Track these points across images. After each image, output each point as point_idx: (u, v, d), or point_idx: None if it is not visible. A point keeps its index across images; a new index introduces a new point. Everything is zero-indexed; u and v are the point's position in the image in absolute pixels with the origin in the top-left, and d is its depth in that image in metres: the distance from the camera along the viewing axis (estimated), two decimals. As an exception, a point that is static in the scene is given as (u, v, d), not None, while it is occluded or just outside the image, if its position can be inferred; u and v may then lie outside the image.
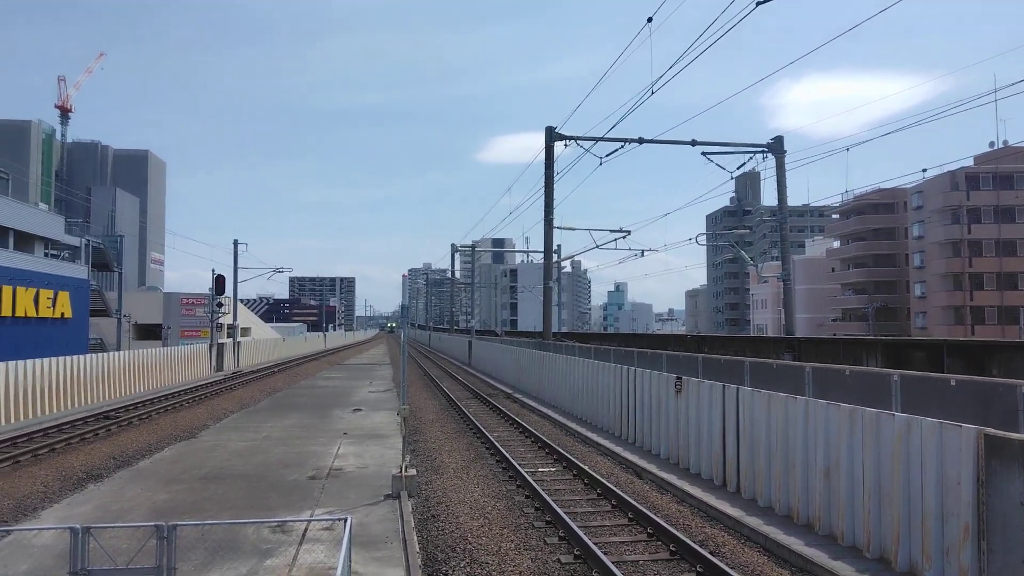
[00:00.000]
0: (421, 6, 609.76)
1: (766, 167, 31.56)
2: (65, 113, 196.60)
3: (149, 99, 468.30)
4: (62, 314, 37.08)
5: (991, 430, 8.24)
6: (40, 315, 34.84)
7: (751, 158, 31.14)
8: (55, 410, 25.10)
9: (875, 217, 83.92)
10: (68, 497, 13.39)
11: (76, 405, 26.65)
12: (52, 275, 36.93)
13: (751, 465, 13.09)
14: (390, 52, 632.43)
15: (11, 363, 22.96)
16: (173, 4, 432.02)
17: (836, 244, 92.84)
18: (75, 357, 27.49)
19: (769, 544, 10.65)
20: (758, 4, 12.36)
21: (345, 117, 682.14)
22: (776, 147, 31.18)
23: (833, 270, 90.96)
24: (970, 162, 69.51)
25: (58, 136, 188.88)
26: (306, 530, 10.86)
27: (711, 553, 9.94)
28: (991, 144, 73.06)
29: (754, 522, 11.50)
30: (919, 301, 76.69)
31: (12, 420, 22.56)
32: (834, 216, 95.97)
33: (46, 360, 25.00)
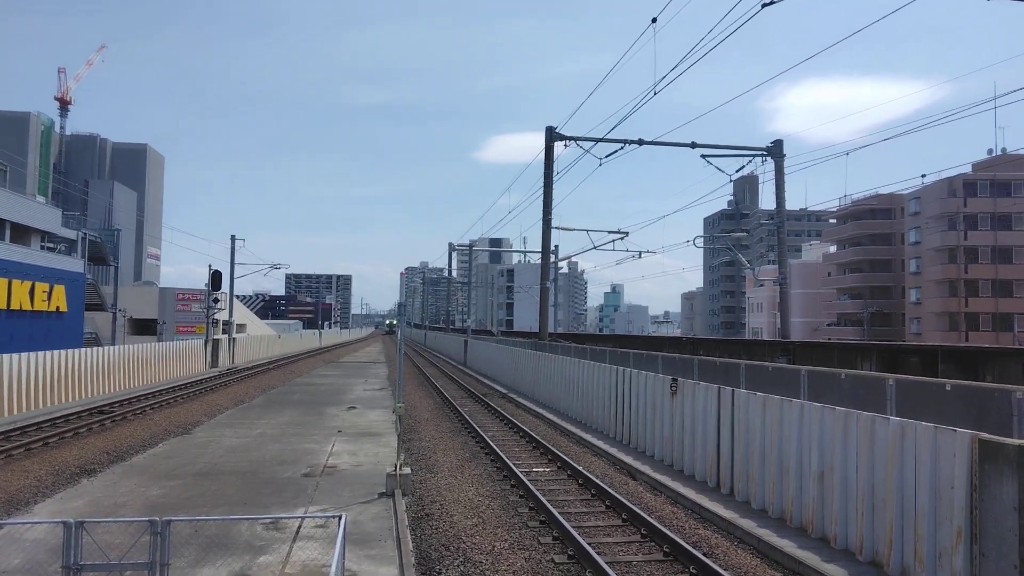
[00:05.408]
0: (424, 4, 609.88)
1: (765, 170, 31.67)
2: (64, 105, 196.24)
3: (149, 92, 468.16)
4: (57, 308, 36.97)
5: (985, 435, 8.27)
6: (35, 308, 34.73)
7: (750, 161, 31.21)
8: (49, 404, 25.03)
9: (872, 222, 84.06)
10: (61, 491, 13.35)
11: (70, 399, 26.58)
12: (48, 268, 36.80)
13: (745, 468, 13.10)
14: (391, 49, 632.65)
15: (4, 356, 22.88)
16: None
17: (833, 249, 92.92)
18: (69, 351, 27.42)
19: (762, 546, 10.67)
20: (764, 6, 12.37)
21: (344, 113, 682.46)
22: (775, 151, 31.23)
23: (829, 275, 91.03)
24: (968, 169, 69.66)
25: (57, 128, 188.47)
26: (300, 527, 10.84)
27: (704, 554, 9.95)
28: (989, 151, 73.26)
29: (747, 524, 11.51)
30: (914, 307, 76.83)
31: (5, 414, 22.49)
32: (831, 221, 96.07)
33: (40, 353, 24.93)
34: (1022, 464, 7.64)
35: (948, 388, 10.03)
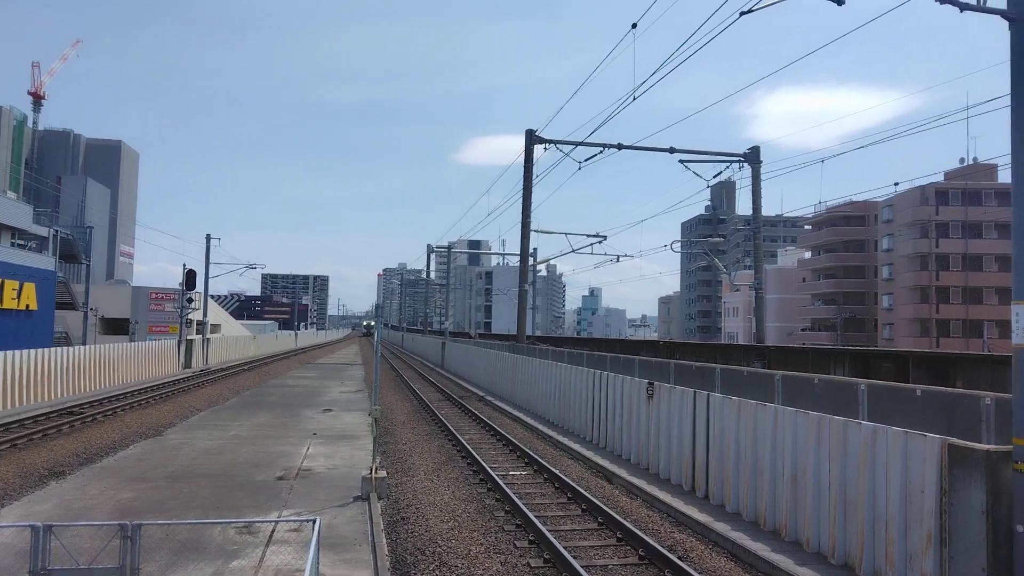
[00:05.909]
0: (405, 4, 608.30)
1: (742, 176, 31.84)
2: (38, 100, 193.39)
3: (124, 89, 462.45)
4: (27, 306, 36.35)
5: (955, 440, 8.39)
6: (4, 307, 34.11)
7: (727, 167, 31.47)
8: (17, 404, 24.58)
9: (846, 229, 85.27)
10: (29, 494, 13.10)
11: (39, 400, 26.12)
12: (18, 266, 36.18)
13: (720, 471, 13.19)
14: (372, 49, 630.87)
15: (-27, 355, 22.44)
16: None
17: (807, 255, 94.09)
18: (39, 350, 26.94)
19: (736, 550, 10.74)
20: (742, 14, 12.48)
21: (323, 113, 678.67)
22: (752, 157, 31.54)
23: (804, 280, 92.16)
24: (940, 178, 70.88)
25: (30, 123, 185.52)
26: (273, 531, 10.74)
27: (679, 558, 10.00)
28: (961, 160, 74.59)
29: (722, 528, 11.59)
30: (886, 313, 77.96)
31: (-28, 414, 22.05)
32: (807, 227, 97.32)
33: (9, 352, 24.47)
34: (991, 469, 7.77)
35: (919, 393, 10.18)
